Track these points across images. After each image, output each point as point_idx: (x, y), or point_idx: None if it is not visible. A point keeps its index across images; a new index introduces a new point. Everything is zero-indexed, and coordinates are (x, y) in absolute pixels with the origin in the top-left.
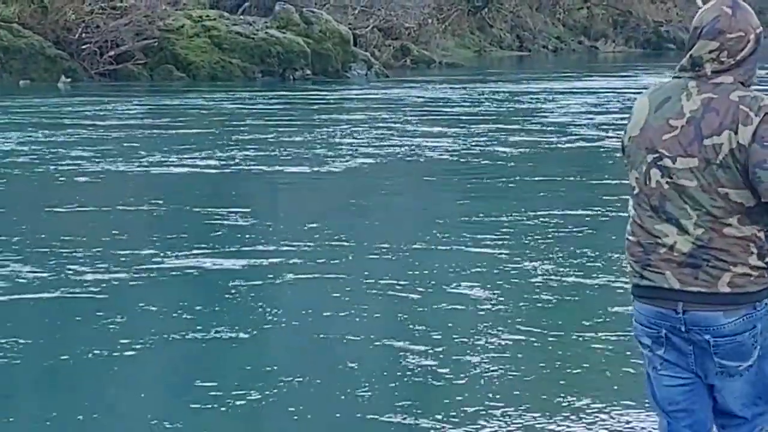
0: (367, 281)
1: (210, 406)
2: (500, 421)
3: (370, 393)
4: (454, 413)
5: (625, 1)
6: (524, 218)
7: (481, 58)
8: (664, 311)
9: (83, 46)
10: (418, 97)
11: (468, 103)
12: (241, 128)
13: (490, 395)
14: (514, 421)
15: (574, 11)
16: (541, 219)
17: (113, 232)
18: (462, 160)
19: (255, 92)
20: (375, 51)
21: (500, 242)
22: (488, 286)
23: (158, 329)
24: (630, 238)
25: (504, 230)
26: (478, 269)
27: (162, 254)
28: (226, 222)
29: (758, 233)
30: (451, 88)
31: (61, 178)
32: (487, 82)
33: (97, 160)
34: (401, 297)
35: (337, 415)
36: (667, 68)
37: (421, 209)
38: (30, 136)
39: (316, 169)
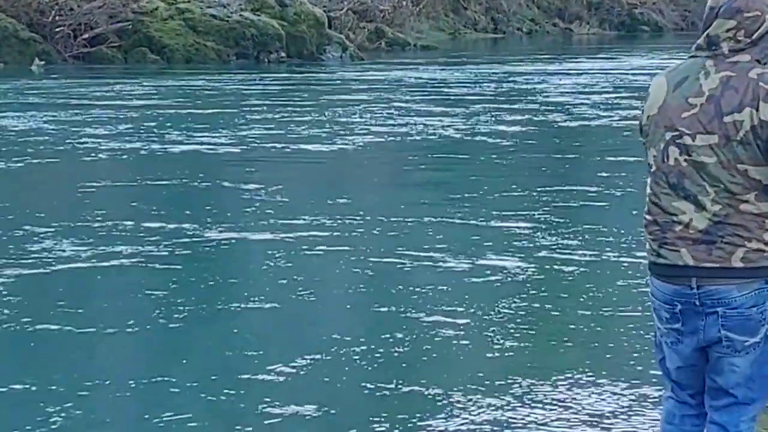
0: (368, 255)
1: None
2: (483, 396)
3: (348, 367)
4: (435, 388)
5: None
6: (534, 193)
7: (455, 40)
8: (679, 288)
9: (57, 29)
10: (416, 78)
11: (463, 85)
12: (251, 108)
13: (471, 370)
14: (499, 396)
15: None
16: (546, 194)
17: (145, 206)
18: (468, 138)
19: (250, 74)
20: (350, 33)
21: (506, 216)
22: (505, 256)
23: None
24: (647, 216)
25: (510, 205)
26: (486, 242)
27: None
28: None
29: None
30: (442, 69)
31: (85, 157)
32: (478, 64)
33: (118, 138)
34: (388, 270)
35: (313, 388)
36: (646, 50)
37: (432, 183)
38: (47, 116)
39: (331, 147)
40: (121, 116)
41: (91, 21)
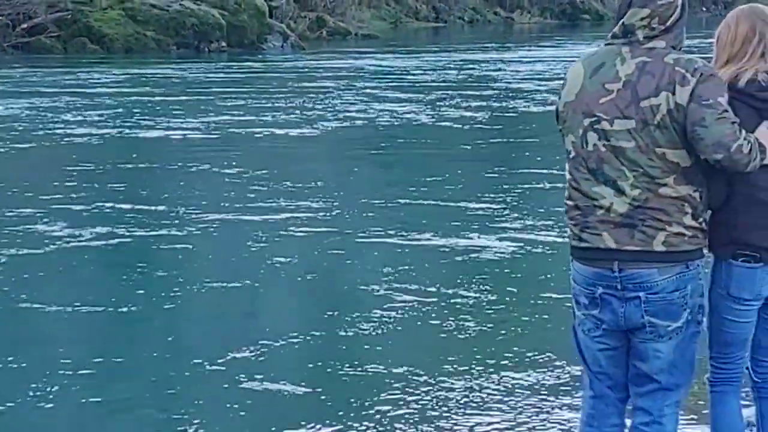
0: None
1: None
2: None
3: (304, 351)
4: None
5: None
6: (504, 176)
7: (397, 29)
8: (600, 271)
9: None
10: (371, 66)
11: (422, 72)
12: (216, 96)
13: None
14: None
15: None
16: (514, 176)
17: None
18: (434, 123)
19: (206, 63)
20: (291, 23)
21: (476, 198)
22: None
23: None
24: (568, 202)
25: (480, 187)
26: (450, 222)
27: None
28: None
29: (693, 193)
30: (394, 57)
31: (62, 141)
32: (432, 52)
33: (86, 124)
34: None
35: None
36: (591, 38)
37: (396, 166)
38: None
39: (300, 131)
40: (91, 104)
41: (29, 11)
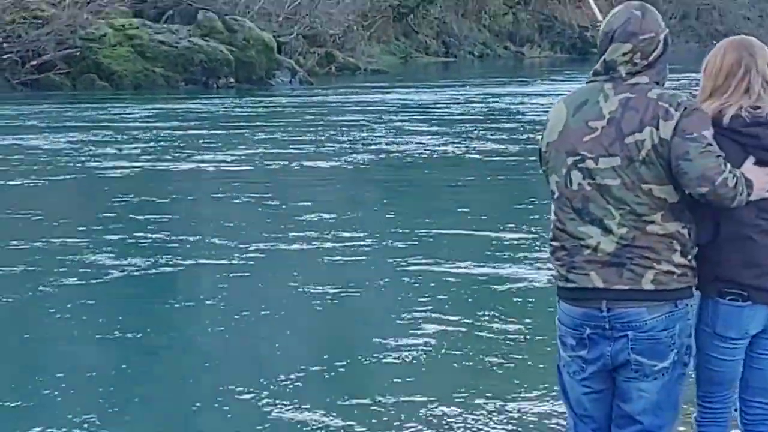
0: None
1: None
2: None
3: (308, 386)
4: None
5: (550, 6)
6: (532, 207)
7: (407, 64)
8: (588, 311)
9: (4, 56)
10: (395, 99)
11: (444, 105)
12: (245, 129)
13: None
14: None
15: (499, 17)
16: (541, 207)
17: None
18: (463, 155)
19: (223, 98)
20: (300, 58)
21: (499, 228)
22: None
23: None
24: (553, 243)
25: (505, 218)
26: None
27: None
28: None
29: (681, 230)
30: (417, 92)
31: (101, 173)
32: (447, 87)
33: (121, 157)
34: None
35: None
36: None
37: (432, 197)
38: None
39: (333, 163)
40: (125, 138)
41: (39, 48)
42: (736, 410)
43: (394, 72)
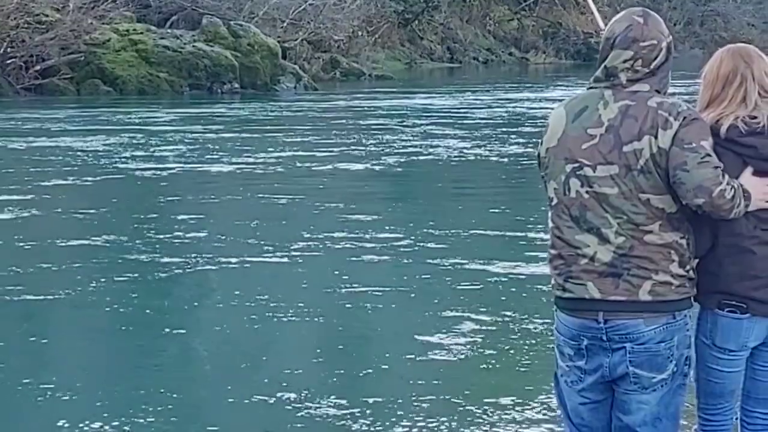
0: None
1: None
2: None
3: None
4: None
5: (555, 12)
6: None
7: (411, 70)
8: (585, 322)
9: (8, 61)
10: (414, 104)
11: (465, 110)
12: (273, 132)
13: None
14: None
15: (504, 23)
16: None
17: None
18: (490, 158)
19: (257, 102)
20: (304, 64)
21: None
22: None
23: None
24: (551, 251)
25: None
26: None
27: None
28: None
29: (680, 240)
30: (437, 96)
31: (140, 174)
32: (459, 92)
33: (157, 159)
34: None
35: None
36: None
37: (465, 198)
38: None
39: (364, 166)
40: (160, 140)
41: (43, 53)
42: (737, 419)
43: (399, 78)
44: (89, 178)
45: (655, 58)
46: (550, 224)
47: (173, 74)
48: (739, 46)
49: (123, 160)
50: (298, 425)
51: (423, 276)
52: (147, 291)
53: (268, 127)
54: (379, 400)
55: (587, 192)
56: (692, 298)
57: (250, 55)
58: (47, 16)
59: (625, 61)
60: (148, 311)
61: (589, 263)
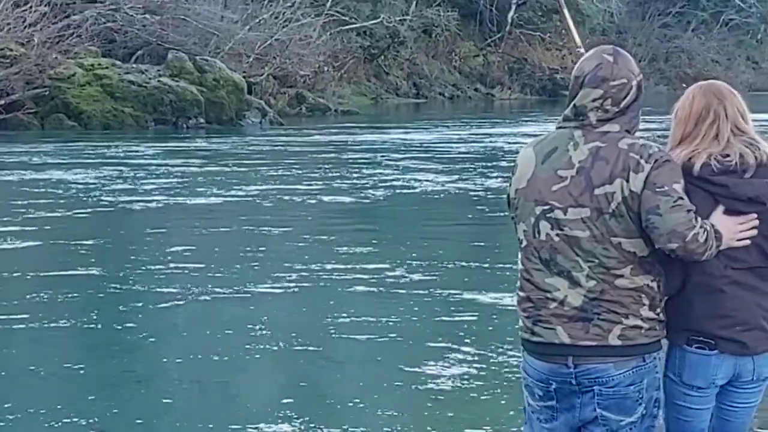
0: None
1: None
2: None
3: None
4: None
5: (520, 48)
6: None
7: (377, 105)
8: (555, 367)
9: None
10: (386, 139)
11: (440, 144)
12: (254, 167)
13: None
14: None
15: (470, 58)
16: None
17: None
18: (470, 192)
19: (236, 136)
20: (270, 99)
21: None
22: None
23: None
24: (520, 293)
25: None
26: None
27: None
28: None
29: (650, 283)
30: (407, 131)
31: (128, 207)
32: (437, 127)
33: (143, 192)
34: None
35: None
36: None
37: (449, 232)
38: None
39: (348, 199)
40: (141, 174)
41: (7, 87)
42: None
43: (365, 113)
44: (78, 211)
45: (625, 97)
46: (520, 266)
47: (138, 109)
48: (710, 83)
49: (110, 193)
50: None
51: (410, 306)
52: (143, 319)
53: (250, 161)
54: (361, 429)
55: (557, 235)
56: (662, 340)
57: (216, 90)
58: (11, 50)
59: (594, 100)
60: (130, 337)
61: (559, 307)
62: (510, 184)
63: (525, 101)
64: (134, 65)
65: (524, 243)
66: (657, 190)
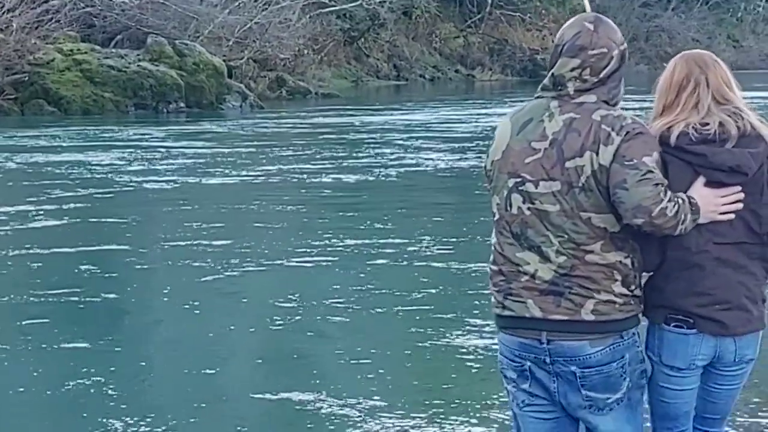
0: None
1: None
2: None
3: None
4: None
5: (500, 29)
6: None
7: (358, 88)
8: (527, 342)
9: None
10: (385, 120)
11: (436, 125)
12: (262, 148)
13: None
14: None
15: (450, 40)
16: None
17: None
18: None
19: (242, 120)
20: (251, 82)
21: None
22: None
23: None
24: (492, 267)
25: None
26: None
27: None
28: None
29: (623, 260)
30: (392, 113)
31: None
32: (427, 108)
33: (168, 173)
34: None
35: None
36: None
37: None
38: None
39: (363, 177)
40: (157, 156)
41: None
42: None
43: (346, 96)
44: (102, 191)
45: (605, 67)
46: (493, 240)
47: (118, 94)
48: (694, 53)
49: (129, 174)
50: None
51: (436, 278)
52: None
53: (257, 143)
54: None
55: (528, 209)
56: (639, 315)
57: (196, 74)
58: None
59: (572, 70)
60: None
61: (530, 280)
62: (487, 156)
63: (506, 82)
64: (113, 50)
65: (497, 216)
66: (625, 163)
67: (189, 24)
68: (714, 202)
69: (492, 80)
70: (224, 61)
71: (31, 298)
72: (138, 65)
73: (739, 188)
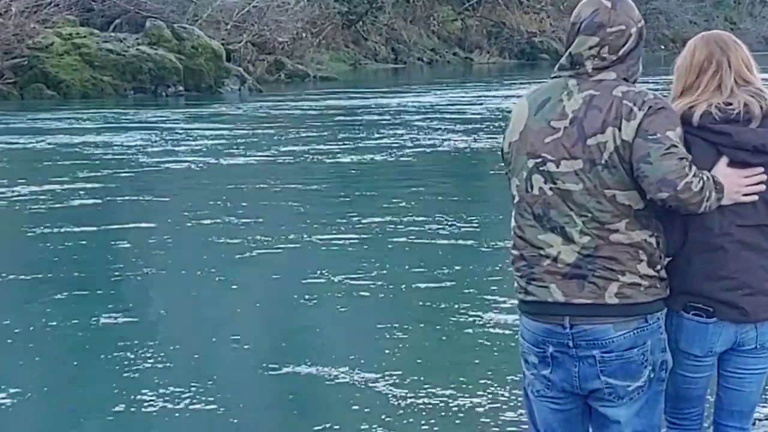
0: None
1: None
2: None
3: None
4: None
5: (498, 12)
6: None
7: (356, 71)
8: (550, 327)
9: None
10: (393, 102)
11: (444, 106)
12: (279, 129)
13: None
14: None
15: (448, 23)
16: None
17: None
18: (485, 149)
19: (253, 103)
20: (249, 66)
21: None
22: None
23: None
24: (513, 251)
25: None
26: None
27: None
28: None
29: (648, 239)
30: (396, 96)
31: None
32: (427, 91)
33: (189, 153)
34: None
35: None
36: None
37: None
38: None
39: (382, 157)
40: (178, 137)
41: None
42: (709, 428)
43: (345, 79)
44: (126, 171)
45: (624, 45)
46: (513, 223)
47: (117, 78)
48: (714, 33)
49: (153, 155)
50: None
51: (468, 257)
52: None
53: (273, 125)
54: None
55: (551, 189)
56: (664, 299)
57: (194, 57)
58: None
59: (590, 48)
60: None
61: (552, 264)
62: (504, 138)
63: (504, 65)
64: (112, 34)
65: (517, 198)
66: (648, 137)
67: (187, 7)
68: (738, 183)
69: (490, 63)
70: (223, 44)
71: (74, 273)
72: (137, 49)
73: (762, 169)
